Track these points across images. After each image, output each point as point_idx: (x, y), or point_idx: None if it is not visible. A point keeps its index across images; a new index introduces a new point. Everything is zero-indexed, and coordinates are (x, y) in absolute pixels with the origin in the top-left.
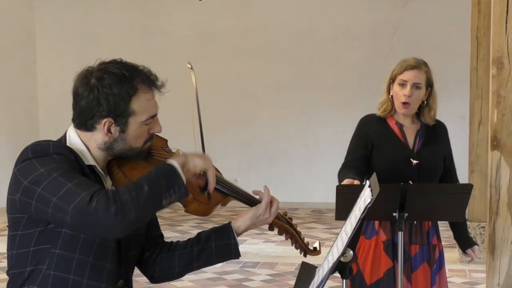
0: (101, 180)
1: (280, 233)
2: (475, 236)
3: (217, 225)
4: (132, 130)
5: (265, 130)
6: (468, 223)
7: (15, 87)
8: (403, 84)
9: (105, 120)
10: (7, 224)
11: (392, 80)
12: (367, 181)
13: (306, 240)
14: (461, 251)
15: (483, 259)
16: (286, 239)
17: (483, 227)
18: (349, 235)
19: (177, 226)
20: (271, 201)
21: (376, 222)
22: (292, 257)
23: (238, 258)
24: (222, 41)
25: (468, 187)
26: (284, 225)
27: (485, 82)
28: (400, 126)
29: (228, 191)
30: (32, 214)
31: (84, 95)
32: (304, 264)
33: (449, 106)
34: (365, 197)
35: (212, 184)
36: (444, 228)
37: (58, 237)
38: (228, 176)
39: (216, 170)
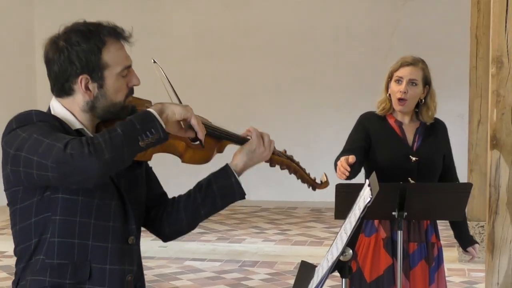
0: None
1: (282, 168)
2: (474, 235)
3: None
4: (110, 83)
5: (265, 130)
6: (467, 222)
7: (14, 87)
8: (399, 81)
9: (80, 77)
10: (7, 218)
11: (390, 78)
12: (367, 180)
13: (312, 176)
14: (461, 249)
15: (482, 258)
16: (290, 173)
17: (482, 226)
18: (348, 234)
19: None
20: (262, 135)
21: (376, 220)
22: (291, 256)
23: (243, 197)
24: (222, 41)
25: (468, 186)
26: (284, 159)
27: (484, 81)
28: (400, 124)
29: (220, 134)
30: (24, 183)
31: (55, 59)
32: (303, 263)
33: (448, 105)
34: (365, 196)
35: (200, 132)
36: (444, 227)
37: (56, 203)
38: None
39: (201, 117)
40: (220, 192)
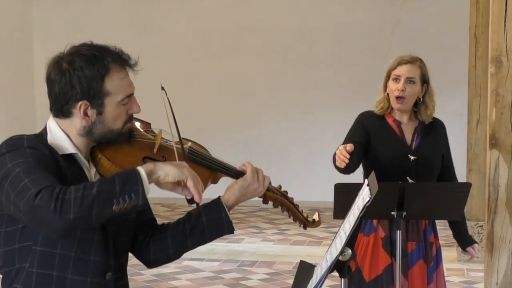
0: (83, 169)
1: (275, 206)
2: (473, 235)
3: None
4: (109, 111)
5: (264, 129)
6: (466, 222)
7: (12, 85)
8: (396, 79)
9: (80, 103)
10: None
11: (388, 77)
12: (366, 180)
13: (305, 214)
14: (460, 249)
15: (481, 258)
16: (283, 211)
17: (481, 226)
18: (347, 234)
19: None
20: (257, 171)
21: (375, 219)
22: (290, 256)
23: (232, 232)
24: (221, 39)
25: (467, 186)
26: (278, 197)
27: (483, 80)
28: (398, 123)
29: (215, 166)
30: (5, 210)
31: (57, 80)
32: (302, 263)
33: (447, 104)
34: (364, 196)
35: (197, 195)
36: (442, 227)
37: (38, 233)
38: None
39: (199, 145)
40: (209, 225)
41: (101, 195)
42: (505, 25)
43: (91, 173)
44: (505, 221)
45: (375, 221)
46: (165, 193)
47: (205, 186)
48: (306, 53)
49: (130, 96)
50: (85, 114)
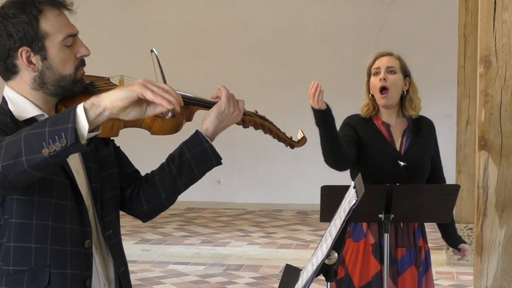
0: None
1: (256, 128)
2: (463, 237)
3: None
4: (54, 54)
5: (249, 130)
6: (456, 225)
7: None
8: (377, 73)
9: (20, 50)
10: None
11: (369, 76)
12: (352, 182)
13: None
14: (451, 250)
15: (471, 261)
16: (265, 133)
17: (471, 228)
18: (334, 237)
19: (159, 228)
20: (231, 95)
21: (364, 224)
22: (277, 259)
23: (220, 162)
24: (207, 40)
25: (455, 188)
26: (257, 119)
27: (472, 80)
28: (387, 126)
29: (186, 100)
30: None
31: None
32: (287, 267)
33: (436, 105)
34: (350, 199)
35: (165, 102)
36: (431, 230)
37: (12, 205)
38: (211, 177)
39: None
40: (195, 160)
41: (28, 139)
42: (494, 24)
43: None
44: (494, 224)
45: (364, 227)
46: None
47: (181, 123)
48: (294, 53)
49: (72, 36)
50: (29, 62)
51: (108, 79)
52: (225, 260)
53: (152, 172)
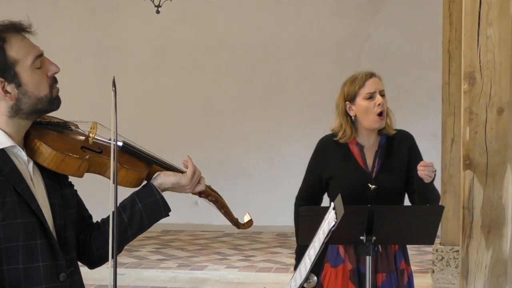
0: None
1: (210, 200)
2: (449, 260)
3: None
4: (27, 78)
5: (227, 149)
6: (441, 247)
7: None
8: (370, 97)
9: None
10: None
11: (351, 98)
12: (332, 203)
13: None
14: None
15: (457, 285)
16: (217, 207)
17: (457, 251)
18: (312, 260)
19: (134, 251)
20: (195, 174)
21: (342, 250)
22: (256, 283)
23: (168, 214)
24: (182, 57)
25: (439, 209)
26: (213, 193)
27: (457, 98)
28: (361, 148)
29: (151, 159)
30: None
31: None
32: None
33: (420, 123)
34: (329, 220)
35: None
36: (415, 253)
37: None
38: (188, 199)
39: (130, 141)
40: (146, 210)
41: None
42: (478, 40)
43: (29, 166)
44: (480, 246)
45: (342, 252)
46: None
47: (142, 179)
48: (271, 70)
49: (39, 57)
50: (5, 92)
51: (77, 126)
52: (203, 284)
53: (103, 220)
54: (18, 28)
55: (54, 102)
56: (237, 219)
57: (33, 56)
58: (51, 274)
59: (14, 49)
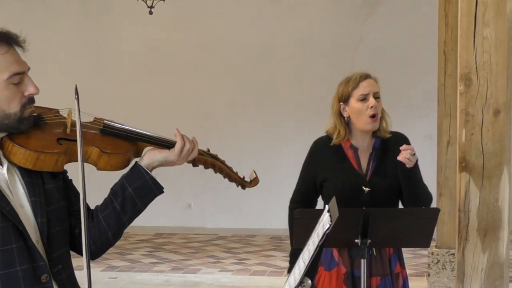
0: None
1: (206, 167)
2: (445, 263)
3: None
4: None
5: (221, 152)
6: (437, 250)
7: None
8: (363, 99)
9: None
10: None
11: (345, 99)
12: (326, 206)
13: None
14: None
15: None
16: (216, 172)
17: (453, 254)
18: (306, 264)
19: (127, 254)
20: (183, 149)
21: (336, 253)
22: (250, 287)
23: (162, 191)
24: (175, 58)
25: (435, 211)
26: (208, 158)
27: (453, 99)
28: (355, 150)
29: (135, 136)
30: None
31: None
32: None
33: (416, 125)
34: (324, 223)
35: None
36: (411, 256)
37: None
38: (181, 201)
39: (109, 120)
40: (138, 194)
41: None
42: (474, 41)
43: (3, 169)
44: (477, 249)
45: (335, 255)
46: None
47: (129, 160)
48: (266, 71)
49: (19, 74)
50: None
51: (58, 111)
52: None
53: (96, 208)
54: (8, 39)
55: (23, 122)
56: (242, 178)
57: (11, 72)
58: (31, 277)
59: None
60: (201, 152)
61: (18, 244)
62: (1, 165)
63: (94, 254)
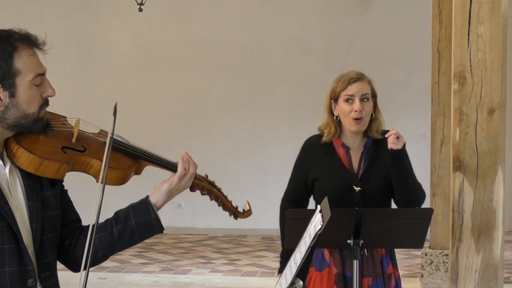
0: None
1: (203, 193)
2: (438, 264)
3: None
4: (22, 92)
5: (212, 151)
6: (430, 250)
7: None
8: (349, 100)
9: None
10: None
11: (335, 98)
12: (318, 206)
13: (235, 204)
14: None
15: None
16: (211, 199)
17: (447, 254)
18: (298, 264)
19: (116, 254)
20: (185, 175)
21: (327, 254)
22: (241, 287)
23: (162, 232)
24: (166, 56)
25: (428, 212)
26: (205, 185)
27: (447, 98)
28: (346, 149)
29: (138, 154)
30: None
31: None
32: None
33: (409, 124)
34: (316, 223)
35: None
36: (405, 256)
37: None
38: (172, 201)
39: (119, 136)
40: (139, 228)
41: None
42: (468, 39)
43: (6, 169)
44: (470, 250)
45: (327, 256)
46: None
47: (129, 176)
48: (258, 70)
49: (41, 75)
50: None
51: (65, 119)
52: None
53: (88, 225)
54: (31, 42)
55: (38, 122)
56: (235, 208)
57: (36, 73)
58: (18, 280)
59: (21, 61)
60: (199, 178)
61: (11, 245)
62: (4, 165)
63: (78, 268)
